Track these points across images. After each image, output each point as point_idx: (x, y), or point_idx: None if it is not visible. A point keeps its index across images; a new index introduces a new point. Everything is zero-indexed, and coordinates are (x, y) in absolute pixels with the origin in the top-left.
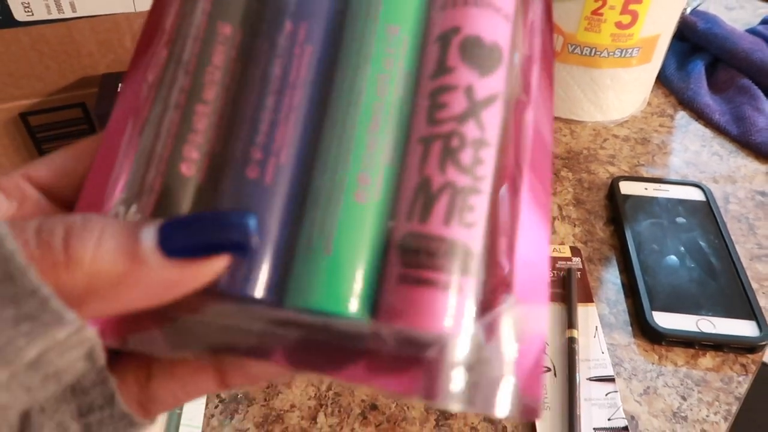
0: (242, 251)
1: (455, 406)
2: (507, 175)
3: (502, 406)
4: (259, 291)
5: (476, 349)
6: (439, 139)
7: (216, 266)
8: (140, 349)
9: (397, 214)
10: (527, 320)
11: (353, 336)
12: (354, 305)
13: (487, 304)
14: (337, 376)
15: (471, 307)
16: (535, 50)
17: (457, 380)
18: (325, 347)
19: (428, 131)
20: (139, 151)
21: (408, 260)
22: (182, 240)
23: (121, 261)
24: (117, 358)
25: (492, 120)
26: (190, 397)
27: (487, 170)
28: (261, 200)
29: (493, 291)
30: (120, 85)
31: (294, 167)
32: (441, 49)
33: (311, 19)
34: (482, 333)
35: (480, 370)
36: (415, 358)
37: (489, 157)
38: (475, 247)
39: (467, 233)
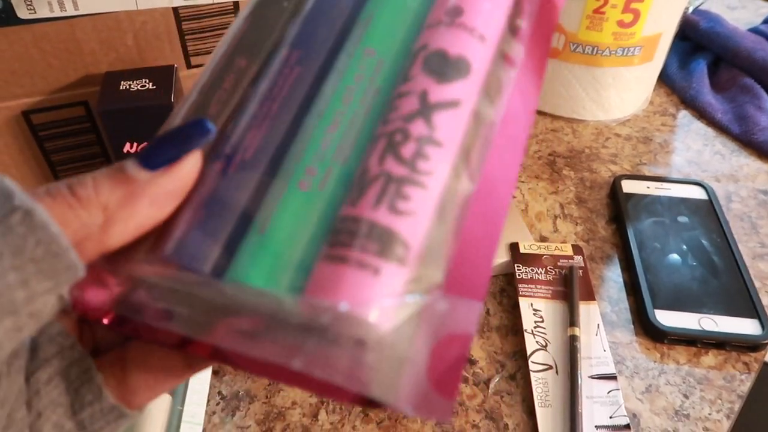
0: (204, 139)
1: (372, 393)
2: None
3: (408, 402)
4: (206, 266)
5: (390, 336)
6: (385, 136)
7: (192, 163)
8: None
9: (340, 206)
10: (452, 314)
11: (287, 326)
12: (283, 283)
13: (411, 292)
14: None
15: (391, 292)
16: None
17: (366, 366)
18: (263, 341)
19: (379, 130)
20: None
21: (334, 239)
22: (158, 154)
23: (117, 185)
24: (95, 345)
25: (448, 123)
26: (165, 386)
27: (433, 167)
28: (222, 189)
29: (424, 281)
30: (122, 82)
31: (259, 165)
32: (409, 64)
33: (305, 47)
34: (396, 318)
35: (387, 357)
36: (336, 345)
37: (438, 156)
38: (408, 235)
39: (397, 220)
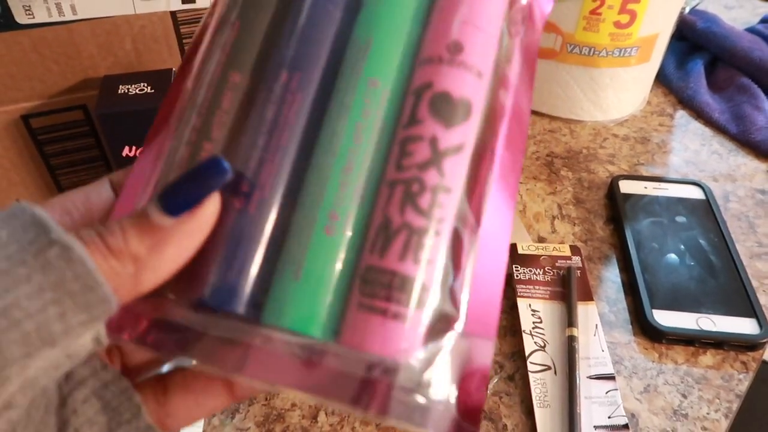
0: (222, 182)
1: (401, 425)
2: (468, 216)
3: (439, 430)
4: (240, 307)
5: (421, 373)
6: (402, 183)
7: (212, 206)
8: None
9: (362, 248)
10: (473, 351)
11: (318, 352)
12: (319, 326)
13: (437, 333)
14: (299, 389)
15: (420, 335)
16: (507, 107)
17: (401, 400)
18: (291, 361)
19: (394, 176)
20: (159, 178)
21: (367, 290)
22: (178, 199)
23: (145, 235)
24: (133, 372)
25: (455, 168)
26: (204, 411)
27: (445, 213)
28: (245, 227)
29: (444, 322)
30: (120, 85)
31: (276, 200)
32: (414, 102)
33: (304, 70)
34: (428, 359)
35: (423, 393)
36: (369, 377)
37: (449, 201)
38: (428, 281)
39: (421, 270)
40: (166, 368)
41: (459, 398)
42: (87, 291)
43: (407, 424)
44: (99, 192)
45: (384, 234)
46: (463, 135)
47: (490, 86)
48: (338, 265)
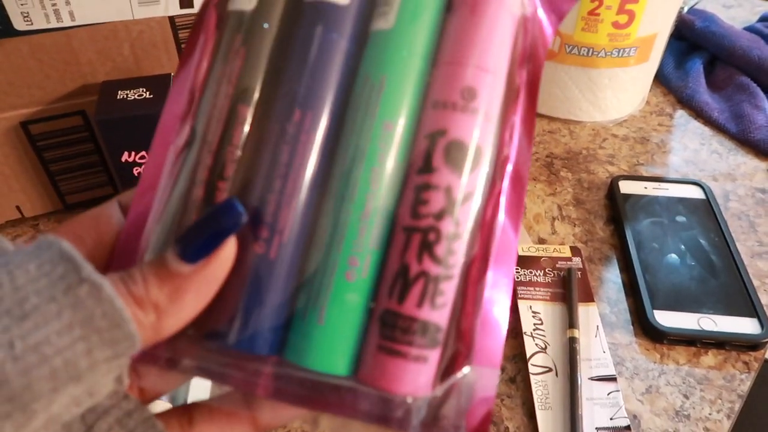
0: (237, 227)
1: None
2: (476, 257)
3: None
4: (263, 349)
5: (437, 408)
6: (419, 232)
7: (229, 251)
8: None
9: (380, 292)
10: (479, 382)
11: (341, 388)
12: (341, 367)
13: (450, 369)
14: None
15: (435, 374)
16: (512, 153)
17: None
18: (317, 391)
19: (410, 223)
20: (164, 220)
21: (386, 333)
22: (195, 245)
23: (164, 283)
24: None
25: (467, 215)
26: None
27: (458, 259)
28: (266, 272)
29: (455, 357)
30: (119, 91)
31: (294, 245)
32: (428, 148)
33: (317, 109)
34: (443, 394)
35: (438, 425)
36: (388, 412)
37: (461, 247)
38: (443, 323)
39: (437, 314)
40: (190, 398)
41: (467, 425)
42: (114, 328)
43: None
44: (109, 215)
45: (402, 280)
46: (475, 182)
47: (498, 129)
48: (359, 309)
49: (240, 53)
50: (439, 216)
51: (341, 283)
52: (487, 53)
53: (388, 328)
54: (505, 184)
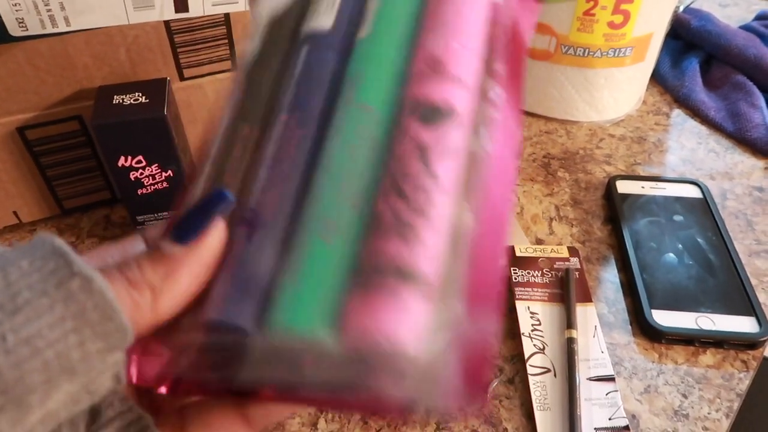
0: (226, 207)
1: (414, 406)
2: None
3: (447, 402)
4: (248, 323)
5: (425, 359)
6: (389, 176)
7: (219, 233)
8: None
9: (361, 247)
10: (475, 329)
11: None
12: (323, 322)
13: (444, 320)
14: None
15: (419, 322)
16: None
17: (406, 386)
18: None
19: (382, 174)
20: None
21: (363, 277)
22: (187, 228)
23: (159, 264)
24: (156, 410)
25: (444, 168)
26: None
27: (432, 198)
28: (250, 250)
29: (450, 308)
30: (115, 96)
31: (279, 223)
32: (401, 112)
33: (302, 109)
34: (437, 347)
35: (433, 376)
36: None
37: (435, 188)
38: (424, 266)
39: (410, 249)
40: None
41: (466, 376)
42: (105, 320)
43: (409, 406)
44: (133, 246)
45: (372, 222)
46: (449, 133)
47: (479, 97)
48: (337, 267)
49: (241, 87)
50: (407, 160)
51: (317, 244)
52: (456, 29)
53: (362, 270)
54: (495, 145)
